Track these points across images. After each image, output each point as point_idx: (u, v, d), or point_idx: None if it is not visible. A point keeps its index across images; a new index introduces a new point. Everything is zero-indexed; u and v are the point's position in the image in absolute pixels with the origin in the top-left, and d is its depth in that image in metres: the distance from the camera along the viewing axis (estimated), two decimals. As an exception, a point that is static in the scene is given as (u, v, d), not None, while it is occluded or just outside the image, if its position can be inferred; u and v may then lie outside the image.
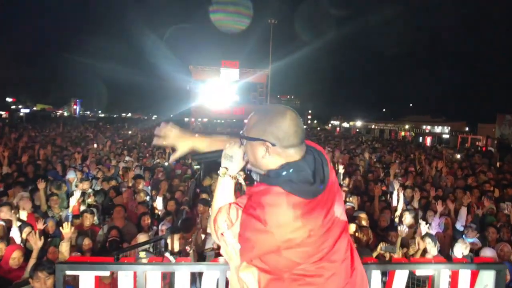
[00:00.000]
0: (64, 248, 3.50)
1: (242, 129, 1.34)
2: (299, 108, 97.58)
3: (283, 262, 1.20)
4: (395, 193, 5.82)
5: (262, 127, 1.23)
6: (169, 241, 3.82)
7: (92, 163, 8.28)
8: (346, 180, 7.24)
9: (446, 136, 40.08)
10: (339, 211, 1.29)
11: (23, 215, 4.39)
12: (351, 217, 4.62)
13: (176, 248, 3.81)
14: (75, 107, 52.34)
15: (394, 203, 5.71)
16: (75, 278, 2.02)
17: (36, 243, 3.27)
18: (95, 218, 4.98)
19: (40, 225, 3.92)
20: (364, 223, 4.57)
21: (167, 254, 3.51)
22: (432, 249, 3.58)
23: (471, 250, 4.07)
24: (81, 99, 53.42)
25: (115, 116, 73.89)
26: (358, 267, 1.35)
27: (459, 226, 4.71)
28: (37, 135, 15.64)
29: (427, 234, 3.83)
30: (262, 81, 25.03)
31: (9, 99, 55.49)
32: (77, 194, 5.05)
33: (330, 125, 69.42)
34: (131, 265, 1.84)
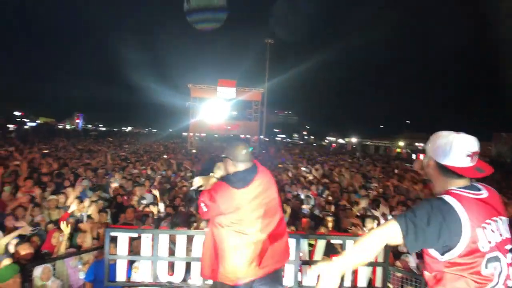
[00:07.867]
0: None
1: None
2: (295, 123, 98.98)
3: None
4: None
5: (228, 151, 2.39)
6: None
7: (101, 174, 9.45)
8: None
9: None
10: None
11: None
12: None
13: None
14: (77, 120, 53.48)
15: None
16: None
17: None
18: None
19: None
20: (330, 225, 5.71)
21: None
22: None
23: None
24: (83, 113, 54.68)
25: (115, 129, 75.19)
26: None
27: None
28: (45, 147, 16.63)
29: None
30: (257, 99, 26.37)
31: (16, 113, 55.59)
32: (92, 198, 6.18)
33: (326, 141, 70.79)
34: (151, 231, 2.95)
